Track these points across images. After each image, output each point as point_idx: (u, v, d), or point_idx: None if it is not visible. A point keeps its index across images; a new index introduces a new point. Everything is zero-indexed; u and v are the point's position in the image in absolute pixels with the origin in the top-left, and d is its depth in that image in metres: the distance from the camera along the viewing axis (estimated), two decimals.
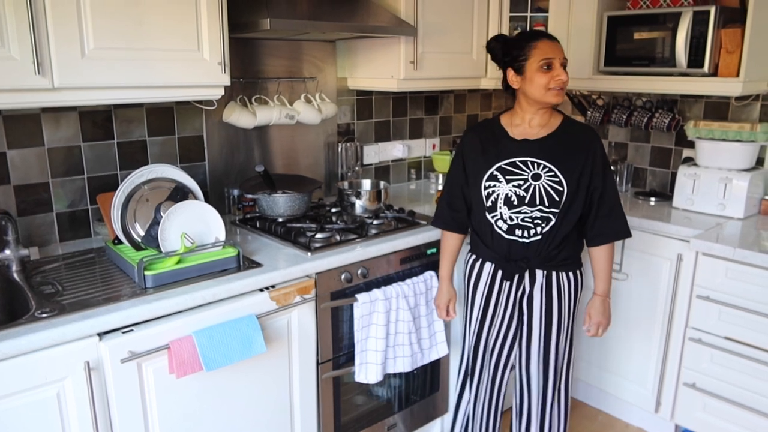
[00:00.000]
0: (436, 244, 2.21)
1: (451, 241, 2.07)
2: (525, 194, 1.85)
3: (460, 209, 2.00)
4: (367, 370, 2.00)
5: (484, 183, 1.90)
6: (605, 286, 1.96)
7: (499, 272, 1.96)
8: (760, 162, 2.55)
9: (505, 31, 2.71)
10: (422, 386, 2.35)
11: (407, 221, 2.28)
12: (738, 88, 2.28)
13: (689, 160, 2.66)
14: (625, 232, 1.92)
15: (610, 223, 1.90)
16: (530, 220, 1.86)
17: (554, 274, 1.92)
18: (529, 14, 2.76)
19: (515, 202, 1.86)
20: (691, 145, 2.65)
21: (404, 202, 2.62)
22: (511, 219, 1.88)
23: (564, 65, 1.83)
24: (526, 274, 1.93)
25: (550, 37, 1.85)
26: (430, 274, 2.15)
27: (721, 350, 2.20)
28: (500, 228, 1.90)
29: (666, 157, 2.87)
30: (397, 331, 2.05)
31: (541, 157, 1.85)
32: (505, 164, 1.88)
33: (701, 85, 2.37)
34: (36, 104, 1.63)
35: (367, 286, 2.03)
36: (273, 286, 1.79)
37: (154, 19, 1.72)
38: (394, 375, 2.20)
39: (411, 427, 2.36)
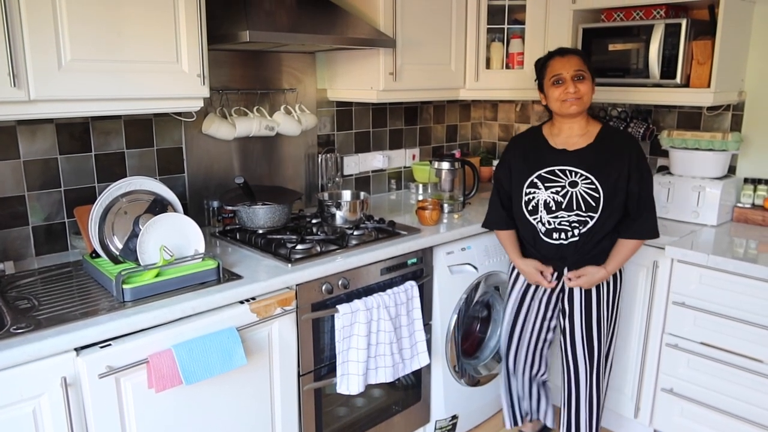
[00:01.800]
0: (417, 254, 2.23)
1: (508, 236, 2.25)
2: (562, 200, 2.05)
3: (510, 208, 2.23)
4: (348, 381, 2.00)
5: (525, 189, 2.12)
6: (612, 266, 2.09)
7: None
8: (731, 170, 2.61)
9: (483, 43, 2.74)
10: (404, 396, 2.35)
11: (388, 232, 2.29)
12: (709, 98, 2.34)
13: (664, 169, 2.71)
14: (650, 233, 2.07)
15: (638, 224, 2.05)
16: (567, 223, 2.06)
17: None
18: (506, 26, 2.80)
19: (553, 208, 2.07)
20: (665, 154, 2.70)
21: (384, 213, 2.63)
22: (549, 223, 2.09)
23: (578, 77, 2.00)
24: (565, 271, 2.13)
25: (561, 54, 2.05)
26: (410, 284, 2.16)
27: (697, 355, 2.24)
28: (540, 231, 2.11)
29: None
30: (379, 341, 2.05)
31: (578, 166, 2.04)
32: (545, 172, 2.08)
33: (674, 96, 2.43)
34: (11, 117, 1.60)
35: (348, 297, 2.03)
36: (253, 298, 1.79)
37: (132, 30, 1.71)
38: (376, 385, 2.19)
39: None
